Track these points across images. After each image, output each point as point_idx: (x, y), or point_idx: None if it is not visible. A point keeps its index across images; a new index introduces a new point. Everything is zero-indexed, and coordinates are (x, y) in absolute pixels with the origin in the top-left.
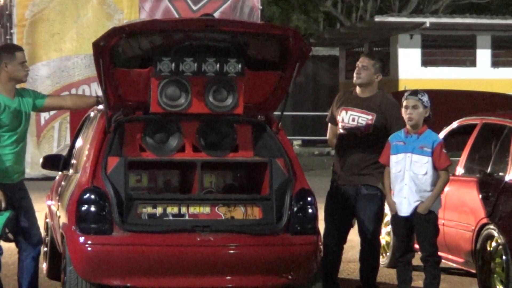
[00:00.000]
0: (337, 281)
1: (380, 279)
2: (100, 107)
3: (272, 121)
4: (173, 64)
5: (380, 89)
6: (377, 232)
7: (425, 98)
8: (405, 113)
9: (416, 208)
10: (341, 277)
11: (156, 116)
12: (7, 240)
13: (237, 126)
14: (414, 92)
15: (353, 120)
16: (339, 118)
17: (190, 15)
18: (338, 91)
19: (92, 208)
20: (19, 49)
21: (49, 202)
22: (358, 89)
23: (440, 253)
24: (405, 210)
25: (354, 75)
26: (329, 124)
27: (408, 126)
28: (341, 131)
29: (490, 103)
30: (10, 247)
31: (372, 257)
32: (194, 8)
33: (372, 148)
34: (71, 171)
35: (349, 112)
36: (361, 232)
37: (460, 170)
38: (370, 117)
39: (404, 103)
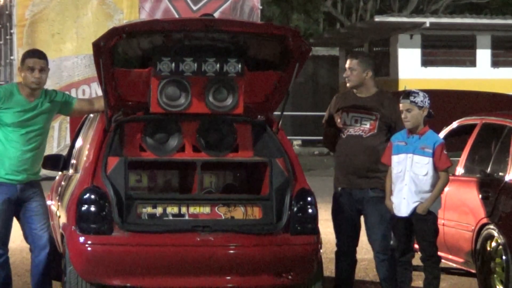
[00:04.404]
0: (352, 285)
1: (378, 279)
2: None
3: (272, 121)
4: (173, 64)
5: (379, 89)
6: (387, 234)
7: (419, 98)
8: (402, 117)
9: (415, 208)
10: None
11: (156, 116)
12: None
13: (237, 126)
14: (406, 95)
15: (356, 121)
16: (339, 121)
17: (190, 15)
18: (338, 91)
19: (92, 208)
20: (30, 55)
21: (49, 202)
22: (355, 90)
23: (440, 253)
24: (404, 211)
25: (345, 79)
26: (325, 126)
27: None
28: (344, 133)
29: (490, 103)
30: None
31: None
32: (194, 8)
33: (377, 149)
34: (71, 171)
35: (351, 114)
36: (370, 235)
37: (460, 170)
38: (373, 117)
39: (400, 106)
